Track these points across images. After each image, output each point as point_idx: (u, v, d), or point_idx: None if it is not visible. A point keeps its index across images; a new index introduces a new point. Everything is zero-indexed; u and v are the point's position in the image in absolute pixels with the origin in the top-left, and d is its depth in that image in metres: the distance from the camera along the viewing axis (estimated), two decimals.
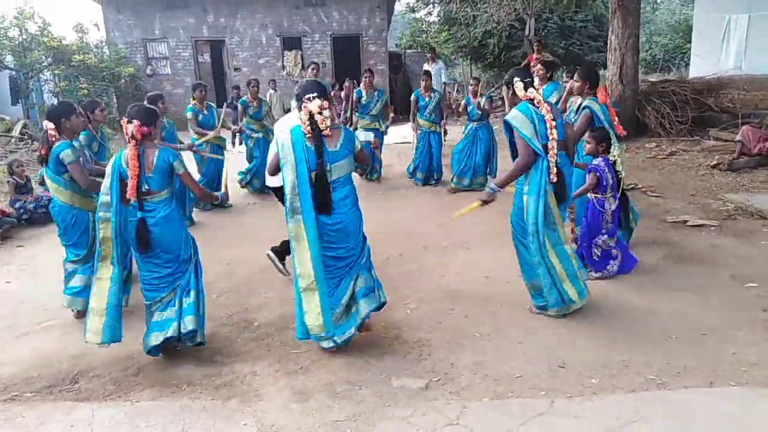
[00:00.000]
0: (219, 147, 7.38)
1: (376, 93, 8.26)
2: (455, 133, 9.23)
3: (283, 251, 4.72)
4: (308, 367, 3.43)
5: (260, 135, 7.99)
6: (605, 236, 4.55)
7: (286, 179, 3.39)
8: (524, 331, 3.75)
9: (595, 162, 4.58)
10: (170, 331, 3.44)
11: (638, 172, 8.13)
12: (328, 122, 3.36)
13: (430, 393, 3.11)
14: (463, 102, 8.12)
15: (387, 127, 8.71)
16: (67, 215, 4.14)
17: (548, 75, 7.04)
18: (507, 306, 4.14)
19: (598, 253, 4.58)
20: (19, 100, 16.31)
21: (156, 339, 3.47)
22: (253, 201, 7.82)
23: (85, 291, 4.06)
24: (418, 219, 6.60)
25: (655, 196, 6.87)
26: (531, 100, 3.82)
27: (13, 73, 15.77)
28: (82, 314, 4.05)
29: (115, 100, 16.27)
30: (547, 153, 3.76)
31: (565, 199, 3.98)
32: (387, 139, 9.26)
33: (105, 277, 3.45)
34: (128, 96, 15.80)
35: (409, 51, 22.12)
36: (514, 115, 3.79)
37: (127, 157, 3.37)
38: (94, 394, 3.25)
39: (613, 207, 4.55)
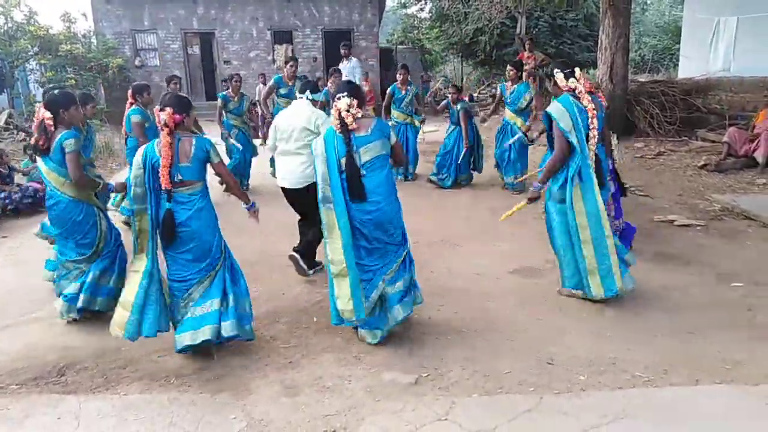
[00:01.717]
0: None
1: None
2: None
3: (304, 250, 4.69)
4: (298, 361, 3.43)
5: (240, 131, 7.82)
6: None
7: (317, 170, 3.52)
8: (513, 328, 3.77)
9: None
10: (208, 333, 3.33)
11: (626, 172, 8.19)
12: (358, 115, 3.49)
13: (420, 388, 3.12)
14: (443, 103, 8.16)
15: (422, 120, 8.58)
16: (74, 210, 3.84)
17: (518, 75, 7.17)
18: (497, 302, 4.16)
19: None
20: (4, 90, 16.07)
21: (192, 338, 3.36)
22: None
23: (80, 294, 3.88)
24: (407, 216, 6.58)
25: (643, 196, 6.94)
26: (572, 91, 3.91)
27: None
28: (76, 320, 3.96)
29: (102, 92, 16.10)
30: (588, 142, 3.88)
31: (602, 187, 4.05)
32: None
33: (139, 270, 3.39)
34: (116, 87, 15.65)
35: (400, 47, 22.10)
36: (555, 108, 3.90)
37: (159, 145, 3.31)
38: (82, 387, 3.22)
39: (611, 190, 4.60)
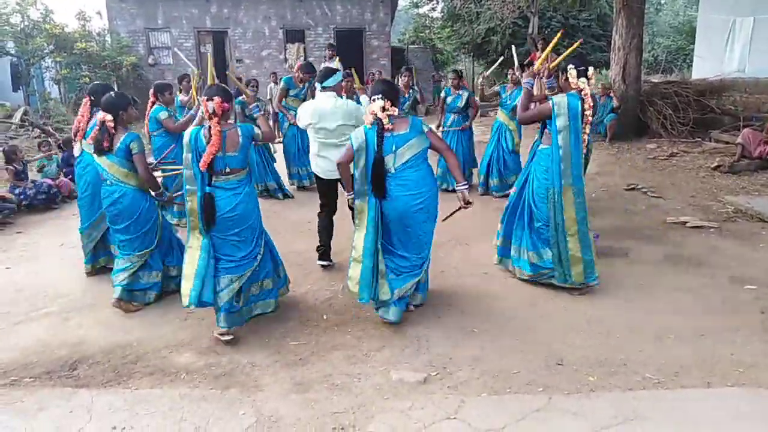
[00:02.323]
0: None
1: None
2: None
3: (324, 247, 4.87)
4: (308, 358, 3.44)
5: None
6: None
7: (357, 165, 3.69)
8: (522, 327, 3.76)
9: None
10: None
11: (639, 173, 8.15)
12: (394, 113, 3.63)
13: (429, 387, 3.12)
14: (442, 95, 7.95)
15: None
16: (141, 199, 4.09)
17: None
18: (505, 302, 4.15)
19: None
20: (20, 87, 16.27)
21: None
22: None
23: (156, 285, 4.25)
24: None
25: (656, 197, 6.89)
26: (579, 91, 4.04)
27: (15, 59, 15.73)
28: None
29: (116, 89, 16.23)
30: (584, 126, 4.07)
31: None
32: None
33: (195, 246, 3.59)
34: (129, 85, 15.78)
35: (412, 46, 22.08)
36: (559, 100, 4.04)
37: (205, 133, 3.46)
38: (93, 381, 3.26)
39: None
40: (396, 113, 3.65)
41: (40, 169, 7.65)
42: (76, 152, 4.68)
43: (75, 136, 4.69)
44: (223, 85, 3.78)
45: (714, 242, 5.31)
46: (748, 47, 12.17)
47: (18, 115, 12.92)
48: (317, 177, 4.78)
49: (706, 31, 13.34)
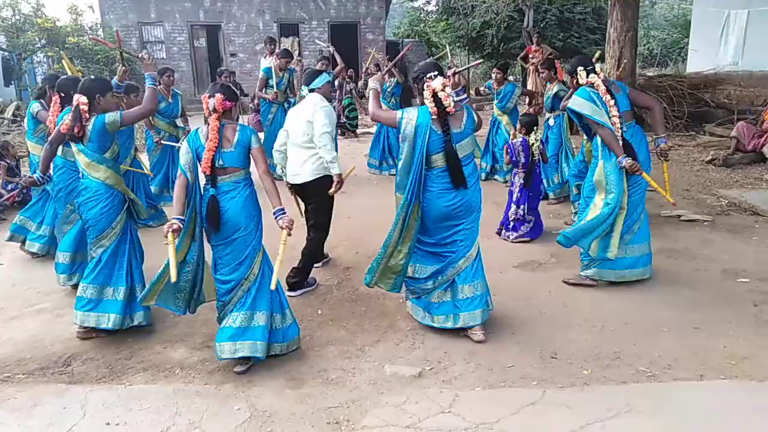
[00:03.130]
0: (174, 137, 6.81)
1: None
2: None
3: (302, 267, 4.44)
4: (302, 353, 3.44)
5: (170, 139, 6.71)
6: (513, 206, 5.32)
7: (402, 157, 3.49)
8: (517, 321, 3.77)
9: (513, 140, 5.48)
10: (246, 350, 3.20)
11: None
12: (451, 100, 3.37)
13: (423, 381, 3.12)
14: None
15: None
16: (103, 196, 3.64)
17: (505, 77, 7.25)
18: (501, 296, 4.14)
19: (511, 218, 5.36)
20: (12, 82, 16.15)
21: (230, 350, 3.22)
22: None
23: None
24: None
25: (650, 190, 6.88)
26: (591, 85, 4.17)
27: (6, 54, 15.61)
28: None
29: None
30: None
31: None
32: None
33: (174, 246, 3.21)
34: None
35: (406, 40, 22.01)
36: (574, 101, 4.20)
37: (204, 131, 3.26)
38: (87, 377, 3.25)
39: (521, 182, 5.31)
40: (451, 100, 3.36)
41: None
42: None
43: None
44: (228, 84, 3.62)
45: (708, 235, 5.33)
46: (742, 40, 12.20)
47: (10, 110, 12.84)
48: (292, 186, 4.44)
49: (701, 24, 13.36)
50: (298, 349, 3.45)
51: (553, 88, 6.36)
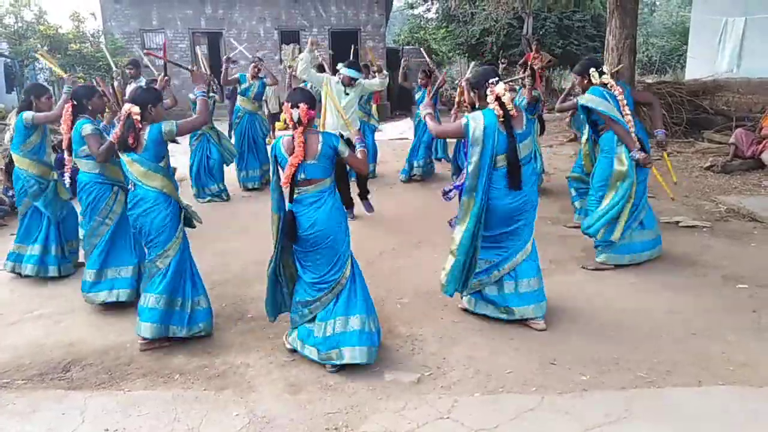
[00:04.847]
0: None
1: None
2: None
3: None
4: (301, 359, 3.43)
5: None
6: None
7: (471, 160, 3.61)
8: (516, 327, 3.77)
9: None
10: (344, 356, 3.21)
11: None
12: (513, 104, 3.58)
13: (422, 387, 3.13)
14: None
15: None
16: (161, 206, 3.55)
17: (426, 83, 7.94)
18: None
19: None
20: (14, 88, 16.21)
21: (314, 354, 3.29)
22: (248, 194, 7.82)
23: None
24: (412, 215, 6.61)
25: (649, 196, 6.89)
26: (604, 85, 4.50)
27: (8, 60, 15.68)
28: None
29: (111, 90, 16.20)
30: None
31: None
32: (381, 136, 9.30)
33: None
34: (123, 86, 15.72)
35: (406, 47, 22.09)
36: (589, 98, 4.50)
37: (286, 143, 3.20)
38: (86, 383, 3.25)
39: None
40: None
41: None
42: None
43: (65, 151, 4.28)
44: (306, 88, 3.56)
45: (706, 241, 5.34)
46: (739, 48, 12.23)
47: (12, 116, 12.87)
48: None
49: (699, 32, 13.40)
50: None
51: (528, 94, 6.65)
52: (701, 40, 13.16)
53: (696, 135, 9.81)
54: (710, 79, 10.65)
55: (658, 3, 30.79)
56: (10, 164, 4.74)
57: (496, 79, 3.58)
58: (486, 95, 3.59)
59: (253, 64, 7.83)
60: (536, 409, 2.90)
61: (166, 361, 3.47)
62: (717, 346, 3.47)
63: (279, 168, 3.29)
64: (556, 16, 17.76)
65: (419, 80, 8.22)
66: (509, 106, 3.52)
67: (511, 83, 7.34)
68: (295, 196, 3.27)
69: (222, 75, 7.69)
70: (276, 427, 2.81)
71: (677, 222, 5.86)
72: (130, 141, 3.47)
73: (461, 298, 3.95)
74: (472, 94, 3.83)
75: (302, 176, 3.18)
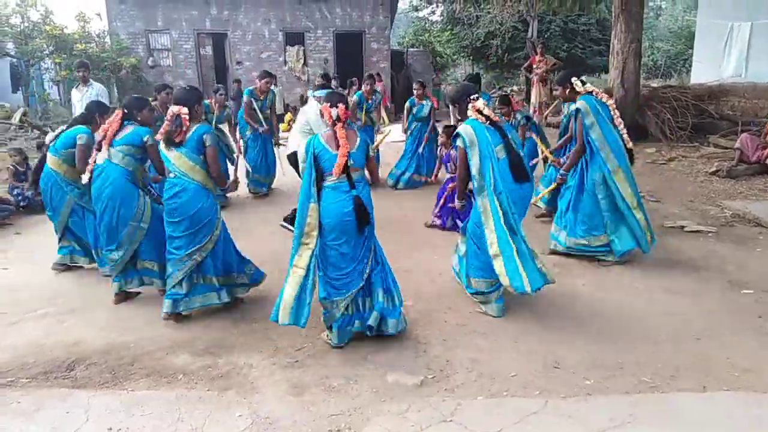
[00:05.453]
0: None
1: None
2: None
3: (293, 218, 4.80)
4: (304, 360, 3.44)
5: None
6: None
7: (472, 163, 3.84)
8: (520, 330, 3.76)
9: (447, 151, 6.00)
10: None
11: (637, 177, 8.08)
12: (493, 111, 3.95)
13: (425, 389, 3.12)
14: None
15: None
16: (201, 198, 3.88)
17: (423, 94, 8.01)
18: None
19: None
20: (20, 88, 16.29)
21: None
22: (249, 196, 7.83)
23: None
24: (412, 216, 6.60)
25: (654, 201, 6.89)
26: (590, 93, 4.53)
27: (14, 60, 15.75)
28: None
29: (115, 91, 16.26)
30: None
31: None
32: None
33: (302, 266, 3.48)
34: (129, 87, 15.79)
35: (411, 50, 22.12)
36: (582, 105, 4.51)
37: (326, 137, 3.52)
38: (90, 382, 3.26)
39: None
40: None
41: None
42: (99, 160, 4.20)
43: (99, 145, 4.21)
44: (338, 91, 3.96)
45: (711, 246, 5.32)
46: (745, 52, 12.19)
47: (17, 116, 12.93)
48: None
49: (705, 36, 13.37)
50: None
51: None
52: (707, 45, 13.13)
53: (701, 140, 9.78)
54: (716, 84, 10.61)
55: (663, 7, 30.73)
56: (40, 165, 4.68)
57: (477, 95, 3.93)
58: (467, 109, 3.91)
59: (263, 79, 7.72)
60: (540, 413, 2.89)
61: (170, 361, 3.47)
62: (721, 351, 3.46)
63: (315, 163, 3.48)
64: (561, 20, 17.77)
65: (414, 91, 8.16)
66: (490, 114, 3.83)
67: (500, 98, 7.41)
68: (326, 184, 3.50)
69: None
70: (279, 428, 2.81)
71: (682, 227, 5.84)
72: (177, 139, 3.86)
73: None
74: (453, 108, 4.10)
75: (351, 163, 3.50)
